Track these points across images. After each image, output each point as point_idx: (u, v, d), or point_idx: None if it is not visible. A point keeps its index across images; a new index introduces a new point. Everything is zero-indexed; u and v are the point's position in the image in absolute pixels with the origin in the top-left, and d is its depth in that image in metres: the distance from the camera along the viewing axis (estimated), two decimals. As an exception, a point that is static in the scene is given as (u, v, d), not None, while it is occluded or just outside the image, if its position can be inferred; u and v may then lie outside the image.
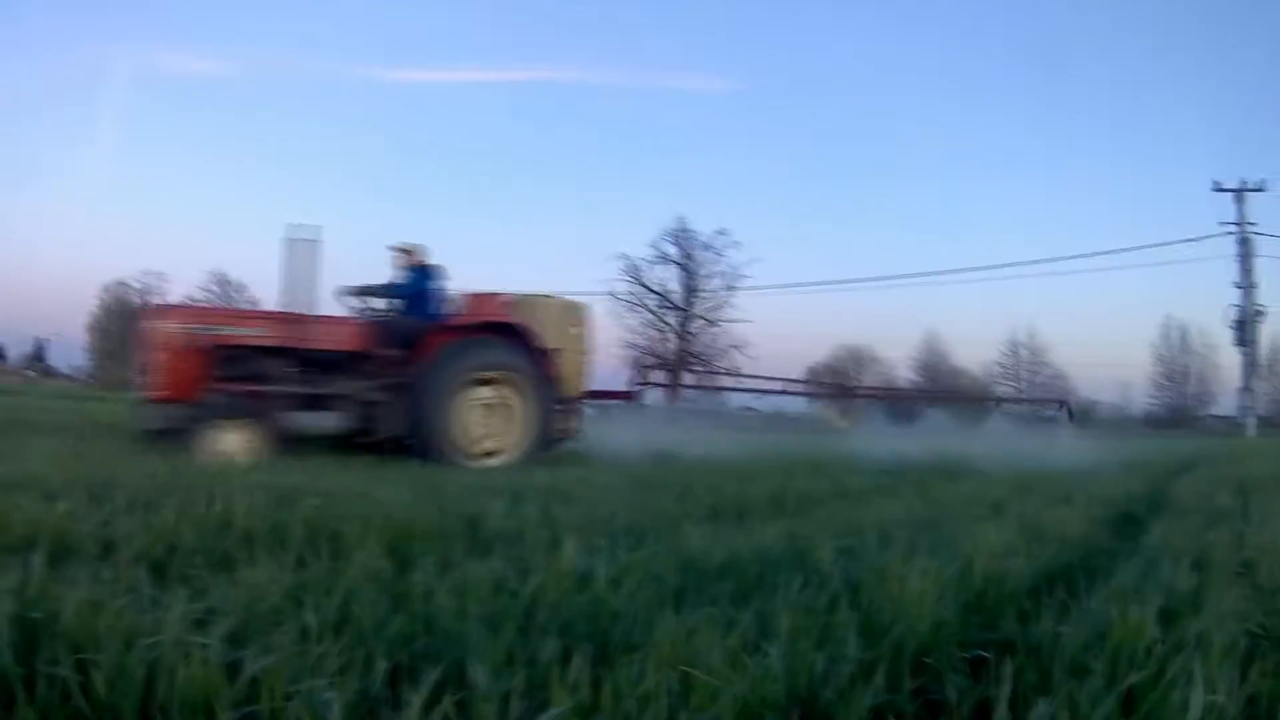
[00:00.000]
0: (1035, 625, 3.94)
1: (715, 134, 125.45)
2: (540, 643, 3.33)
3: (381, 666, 3.04)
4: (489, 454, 14.04)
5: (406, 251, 14.97)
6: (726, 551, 5.21)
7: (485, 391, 14.25)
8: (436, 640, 3.40)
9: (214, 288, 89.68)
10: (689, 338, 76.90)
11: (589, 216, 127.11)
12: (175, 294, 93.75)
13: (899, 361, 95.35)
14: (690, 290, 76.38)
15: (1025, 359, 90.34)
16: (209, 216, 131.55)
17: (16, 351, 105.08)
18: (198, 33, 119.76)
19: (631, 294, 76.81)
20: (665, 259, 76.62)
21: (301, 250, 13.65)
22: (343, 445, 13.48)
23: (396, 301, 14.95)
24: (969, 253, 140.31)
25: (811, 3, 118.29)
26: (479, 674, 2.97)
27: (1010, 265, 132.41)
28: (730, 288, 75.65)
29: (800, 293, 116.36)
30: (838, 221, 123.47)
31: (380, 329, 14.25)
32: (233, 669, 2.81)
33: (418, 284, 14.77)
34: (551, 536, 5.47)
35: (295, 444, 12.51)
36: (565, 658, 3.13)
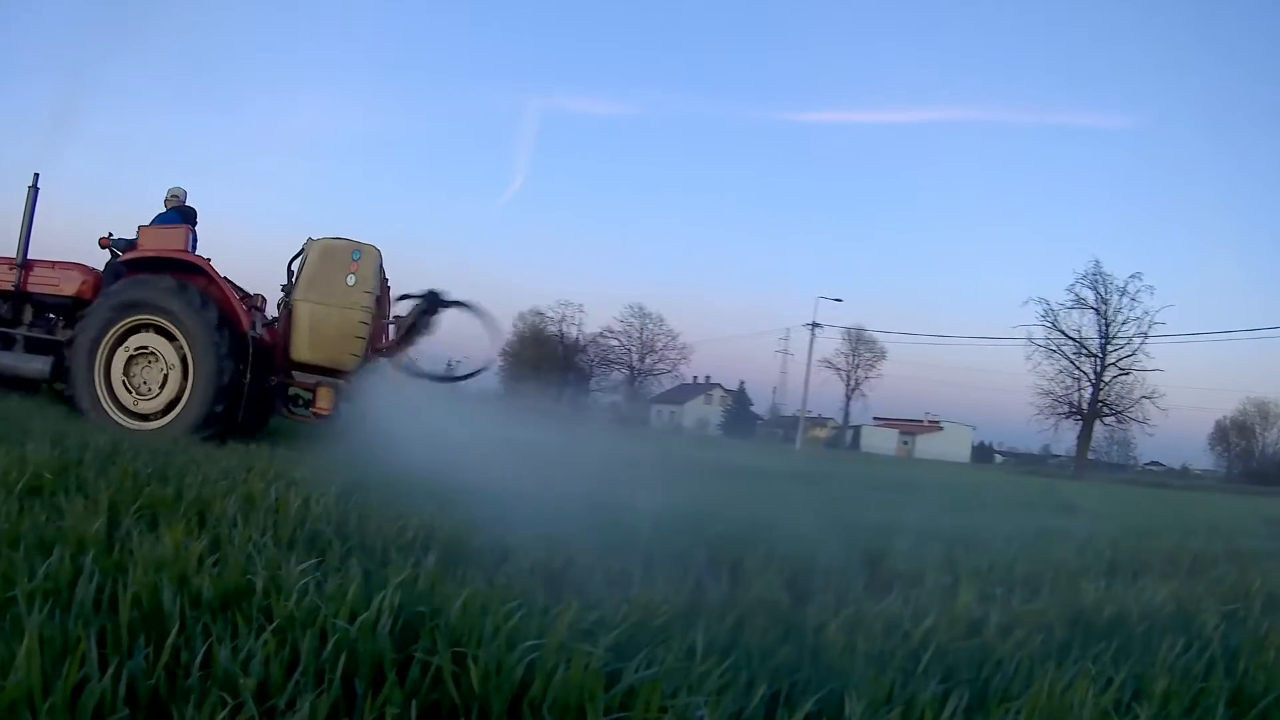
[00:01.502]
0: None
1: (1117, 172, 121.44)
2: (921, 684, 3.27)
3: (761, 691, 3.03)
4: (146, 416, 11.80)
5: (172, 195, 13.60)
6: (1116, 608, 5.00)
7: (146, 340, 11.89)
8: (820, 672, 3.37)
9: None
10: (1103, 386, 74.03)
11: (1000, 258, 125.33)
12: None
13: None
14: (1105, 337, 73.53)
15: None
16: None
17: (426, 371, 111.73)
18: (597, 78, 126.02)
19: (1048, 340, 74.86)
20: (1081, 304, 74.20)
21: (28, 198, 12.75)
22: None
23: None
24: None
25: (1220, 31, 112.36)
26: (855, 707, 2.94)
27: None
28: (1144, 335, 72.40)
29: (1210, 341, 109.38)
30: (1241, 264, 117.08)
31: (105, 274, 12.92)
32: (612, 678, 2.88)
33: (159, 222, 13.18)
34: (952, 581, 5.38)
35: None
36: (943, 700, 3.08)
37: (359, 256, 12.76)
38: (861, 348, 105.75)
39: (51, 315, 13.05)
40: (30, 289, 12.86)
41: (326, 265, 12.71)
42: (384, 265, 13.22)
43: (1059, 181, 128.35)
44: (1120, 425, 77.91)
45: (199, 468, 6.32)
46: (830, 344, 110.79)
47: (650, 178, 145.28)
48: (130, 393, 11.87)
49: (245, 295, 13.19)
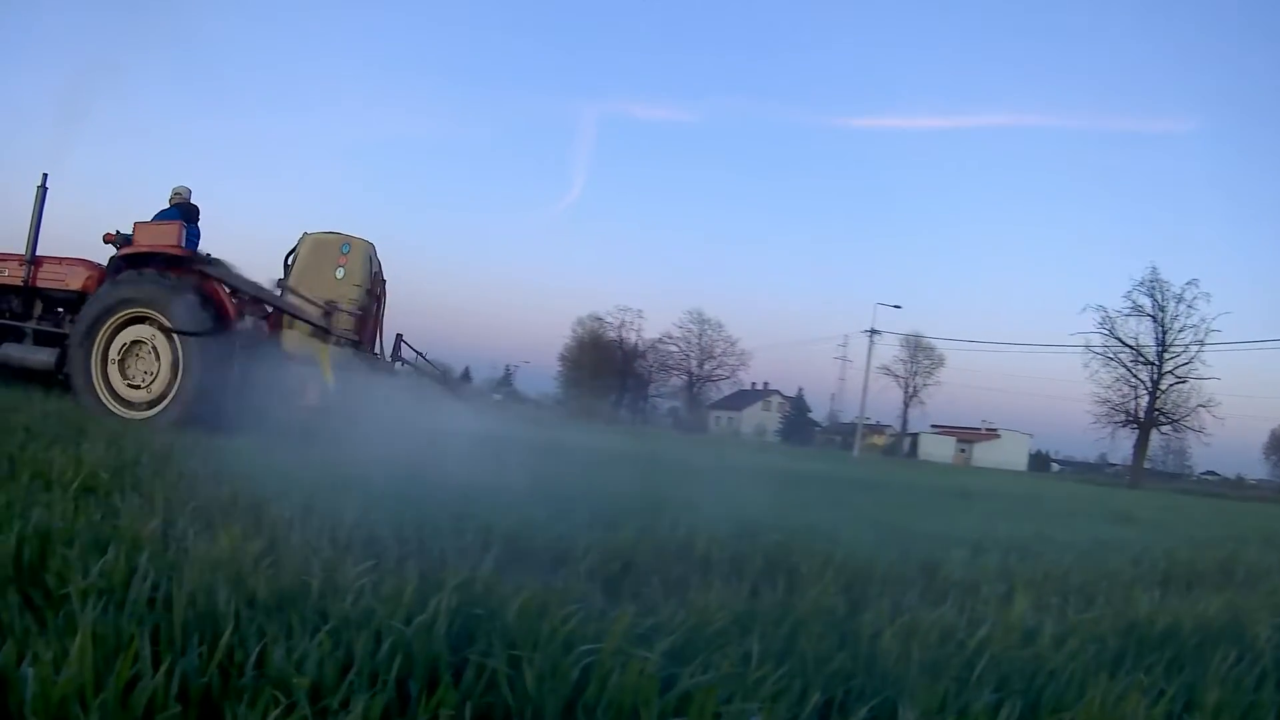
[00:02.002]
0: None
1: (1174, 177, 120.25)
2: (975, 693, 3.25)
3: (815, 698, 3.01)
4: (140, 405, 12.11)
5: (175, 193, 14.05)
6: (1170, 618, 4.95)
7: (141, 332, 12.20)
8: (875, 680, 3.35)
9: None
10: (1160, 394, 73.32)
11: (1058, 264, 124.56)
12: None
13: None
14: (1162, 345, 72.84)
15: None
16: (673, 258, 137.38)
17: (484, 377, 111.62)
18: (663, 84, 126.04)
19: (1106, 347, 74.30)
20: (1139, 311, 73.55)
21: (38, 197, 13.25)
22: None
23: None
24: None
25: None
26: (908, 715, 2.94)
27: None
28: (1200, 342, 71.63)
29: (1266, 349, 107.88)
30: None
31: (109, 269, 13.21)
32: (667, 682, 2.86)
33: (160, 219, 13.56)
34: (1007, 590, 5.34)
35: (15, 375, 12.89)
36: (996, 710, 3.06)
37: (348, 250, 13.55)
38: (920, 355, 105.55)
39: (60, 309, 13.47)
40: (39, 284, 13.42)
41: (317, 259, 13.52)
42: (375, 258, 13.53)
43: (1117, 187, 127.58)
44: (1176, 434, 77.39)
45: (256, 470, 6.36)
46: (889, 351, 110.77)
47: (709, 183, 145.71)
48: (126, 383, 12.22)
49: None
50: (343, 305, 13.58)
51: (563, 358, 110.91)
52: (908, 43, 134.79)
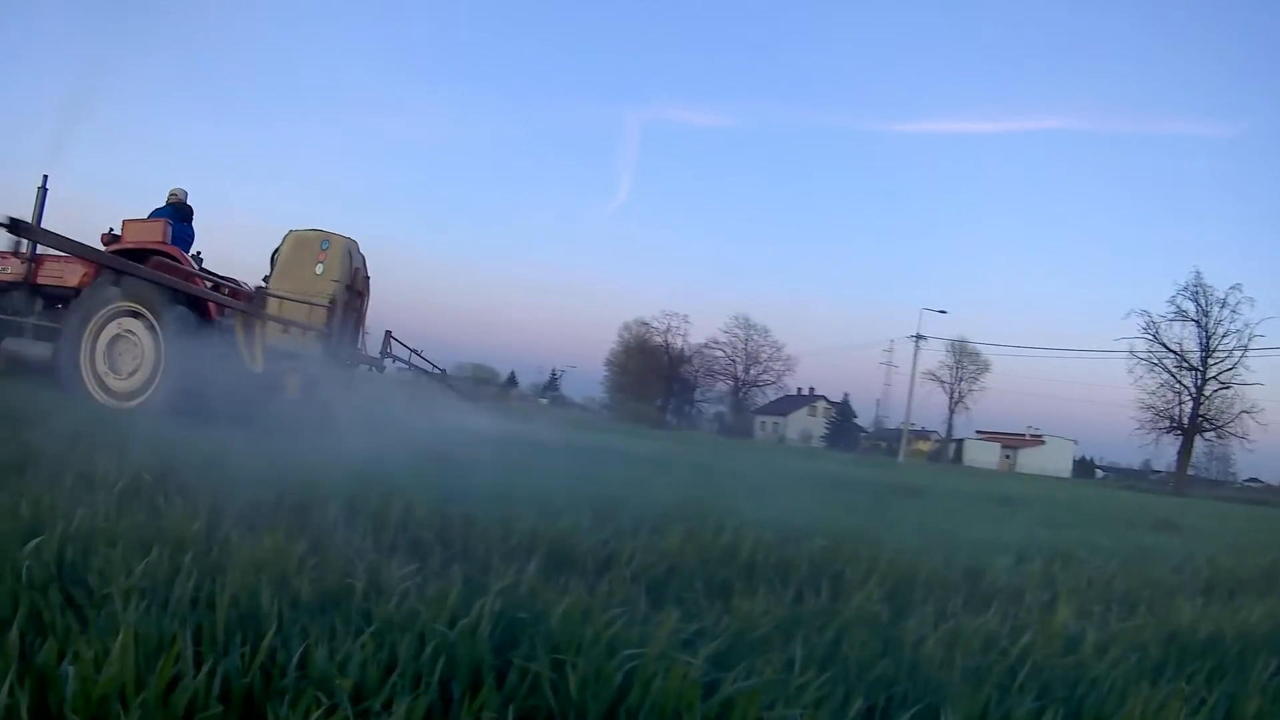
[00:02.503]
0: None
1: (1225, 180, 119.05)
2: (1017, 700, 3.23)
3: (858, 704, 3.00)
4: (126, 395, 12.54)
5: (172, 194, 14.45)
6: (1213, 626, 4.91)
7: (127, 325, 12.62)
8: (918, 687, 3.33)
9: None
10: (1204, 400, 72.67)
11: (1100, 267, 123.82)
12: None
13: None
14: (1206, 350, 72.19)
15: None
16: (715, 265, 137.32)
17: (531, 381, 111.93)
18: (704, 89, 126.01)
19: (1150, 353, 73.76)
20: (1183, 316, 72.95)
21: (38, 197, 13.18)
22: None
23: None
24: None
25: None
26: (950, 722, 2.91)
27: None
28: (1244, 348, 70.97)
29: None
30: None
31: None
32: (710, 688, 2.86)
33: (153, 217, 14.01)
34: (1050, 597, 5.31)
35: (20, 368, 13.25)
36: (1038, 717, 3.07)
37: (327, 246, 13.99)
38: (965, 360, 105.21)
39: (59, 305, 13.80)
40: (39, 281, 13.92)
41: (297, 255, 13.98)
42: (357, 254, 13.78)
43: (1163, 190, 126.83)
44: (1220, 441, 76.81)
45: (301, 473, 6.38)
46: (934, 356, 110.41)
47: (755, 188, 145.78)
48: (111, 373, 12.64)
49: (219, 284, 13.85)
50: (293, 295, 13.90)
51: (609, 362, 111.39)
52: (951, 46, 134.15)
